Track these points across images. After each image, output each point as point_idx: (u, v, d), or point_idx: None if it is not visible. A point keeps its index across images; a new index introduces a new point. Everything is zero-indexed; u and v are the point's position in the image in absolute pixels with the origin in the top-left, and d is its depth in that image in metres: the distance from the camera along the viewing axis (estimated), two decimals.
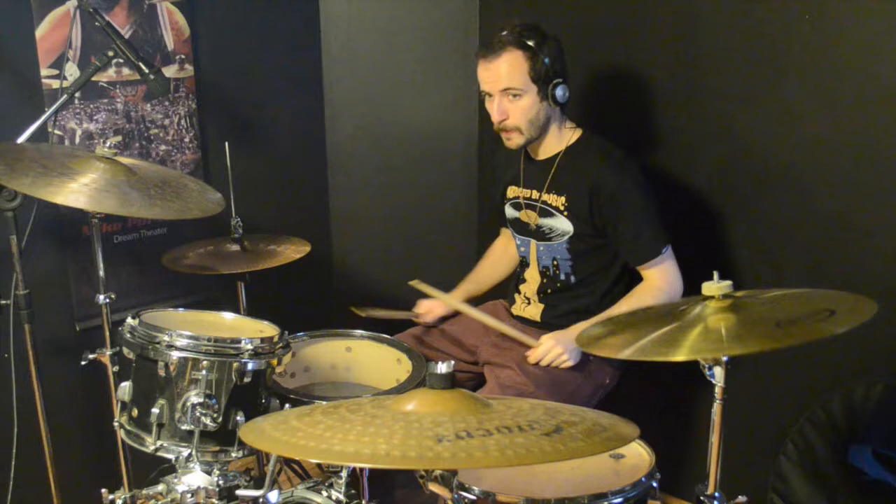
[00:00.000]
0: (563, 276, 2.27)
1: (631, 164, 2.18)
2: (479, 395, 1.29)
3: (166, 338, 1.83)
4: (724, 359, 1.47)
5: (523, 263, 2.38)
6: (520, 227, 2.36)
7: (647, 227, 2.14)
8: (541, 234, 2.28)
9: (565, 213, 2.21)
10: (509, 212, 2.38)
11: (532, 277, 2.35)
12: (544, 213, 2.25)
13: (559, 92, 2.13)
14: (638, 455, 1.72)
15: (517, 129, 2.15)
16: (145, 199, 1.94)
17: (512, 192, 2.36)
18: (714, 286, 1.51)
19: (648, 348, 1.45)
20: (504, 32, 2.11)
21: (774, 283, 2.10)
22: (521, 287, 2.39)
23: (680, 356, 1.38)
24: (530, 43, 2.09)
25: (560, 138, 2.22)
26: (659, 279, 2.17)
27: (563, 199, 2.21)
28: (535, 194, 2.28)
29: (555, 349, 2.13)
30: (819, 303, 1.51)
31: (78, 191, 1.84)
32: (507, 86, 2.10)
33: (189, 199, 2.06)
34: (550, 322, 2.31)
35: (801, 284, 2.04)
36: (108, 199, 1.87)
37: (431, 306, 2.45)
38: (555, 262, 2.27)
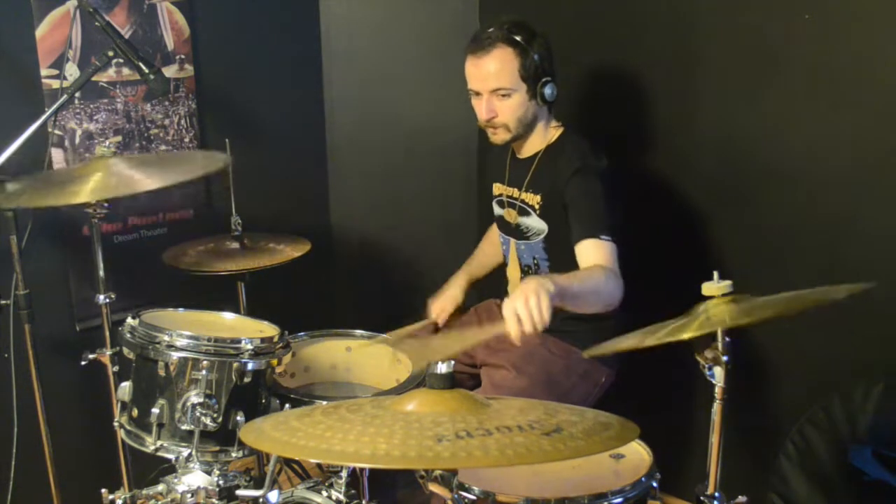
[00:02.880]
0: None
1: (600, 161, 2.12)
2: (478, 395, 1.29)
3: (166, 338, 1.83)
4: (724, 358, 1.47)
5: (504, 261, 2.38)
6: (502, 225, 2.35)
7: (599, 211, 2.05)
8: (520, 233, 2.27)
9: (539, 211, 2.20)
10: (495, 209, 2.39)
11: (513, 277, 2.34)
12: (522, 211, 2.25)
13: (548, 90, 2.12)
14: (638, 455, 1.72)
15: (505, 125, 2.14)
16: (146, 175, 1.94)
17: (497, 189, 2.36)
18: (714, 286, 1.51)
19: (652, 337, 1.45)
20: (492, 29, 2.08)
21: (774, 283, 2.10)
22: (508, 288, 2.38)
23: (688, 334, 1.38)
24: (520, 40, 2.07)
25: (544, 136, 2.21)
26: (601, 258, 1.99)
27: (538, 198, 2.20)
28: (515, 192, 2.27)
29: (522, 304, 1.73)
30: (820, 296, 1.51)
31: (78, 190, 1.85)
32: (496, 86, 2.08)
33: (193, 161, 2.05)
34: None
35: (801, 285, 2.03)
36: (109, 187, 1.89)
37: (443, 306, 2.41)
38: (534, 261, 2.27)
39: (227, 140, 2.38)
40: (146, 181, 1.93)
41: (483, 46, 2.08)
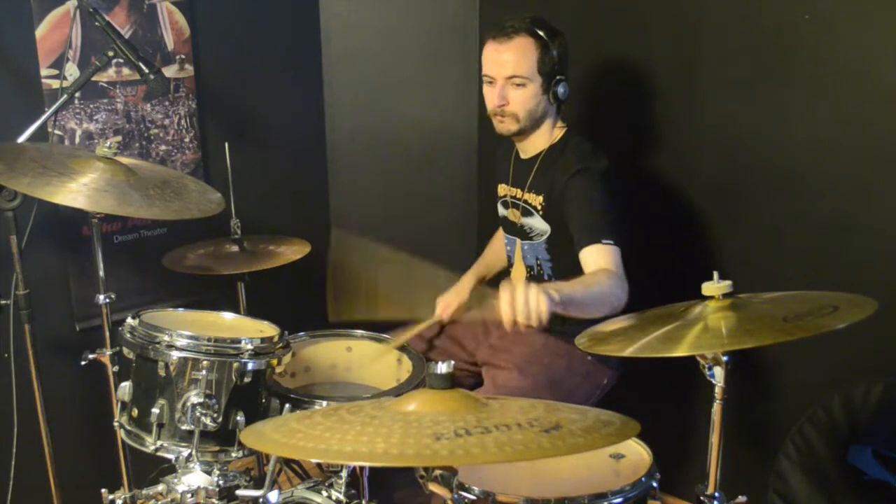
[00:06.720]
0: (545, 277, 2.26)
1: (600, 162, 2.11)
2: (478, 395, 1.29)
3: (166, 338, 1.83)
4: (724, 358, 1.47)
5: (509, 262, 2.38)
6: (507, 226, 2.36)
7: (601, 215, 2.05)
8: (524, 233, 2.28)
9: (541, 212, 2.20)
10: (499, 210, 2.39)
11: (518, 277, 2.34)
12: (526, 212, 2.25)
13: (560, 89, 2.13)
14: (638, 455, 1.72)
15: (514, 115, 2.14)
16: (144, 200, 1.93)
17: (502, 189, 2.36)
18: (714, 286, 1.51)
19: (649, 346, 1.46)
20: (516, 21, 2.10)
21: (774, 284, 2.11)
22: None
23: (679, 352, 1.39)
24: (542, 34, 2.09)
25: (549, 136, 2.21)
26: (606, 263, 1.97)
27: (540, 198, 2.20)
28: (518, 193, 2.27)
29: (521, 293, 1.72)
30: (820, 301, 1.51)
31: (77, 191, 1.84)
32: (513, 73, 2.09)
33: (188, 199, 2.06)
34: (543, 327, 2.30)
35: (801, 285, 2.04)
36: (107, 199, 1.87)
37: (448, 304, 2.40)
38: (538, 262, 2.27)
39: (226, 143, 2.38)
40: (139, 208, 1.92)
41: (506, 34, 2.10)
